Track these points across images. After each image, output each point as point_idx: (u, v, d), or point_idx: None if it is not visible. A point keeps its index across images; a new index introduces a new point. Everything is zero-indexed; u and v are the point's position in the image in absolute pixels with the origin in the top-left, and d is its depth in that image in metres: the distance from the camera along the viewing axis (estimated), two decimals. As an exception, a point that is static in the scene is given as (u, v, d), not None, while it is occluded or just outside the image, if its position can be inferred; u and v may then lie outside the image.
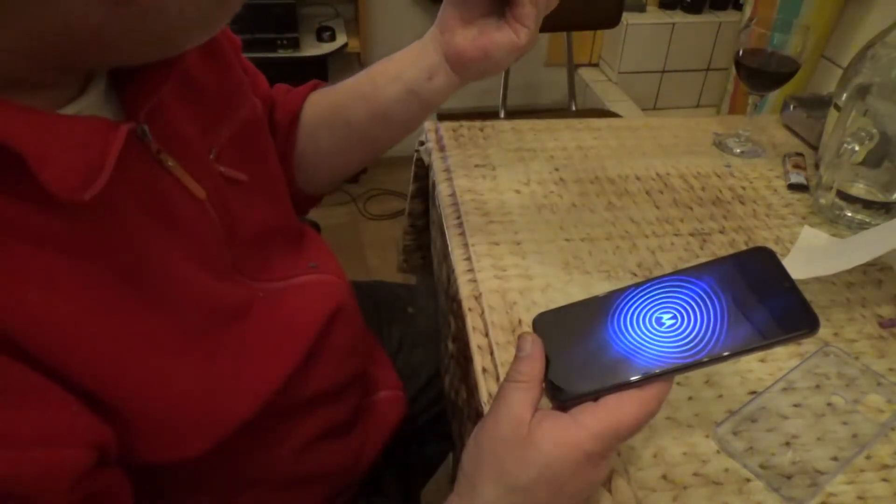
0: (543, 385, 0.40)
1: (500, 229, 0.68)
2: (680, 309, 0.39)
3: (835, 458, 0.48)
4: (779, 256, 0.40)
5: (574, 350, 0.40)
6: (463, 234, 0.68)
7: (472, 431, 0.41)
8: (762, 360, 0.56)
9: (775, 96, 1.60)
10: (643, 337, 0.39)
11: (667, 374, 0.37)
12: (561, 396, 0.39)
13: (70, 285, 0.34)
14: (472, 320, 0.58)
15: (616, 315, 0.40)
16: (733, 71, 1.33)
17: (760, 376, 0.54)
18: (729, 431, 0.50)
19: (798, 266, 0.62)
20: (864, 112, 0.68)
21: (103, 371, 0.35)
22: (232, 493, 0.50)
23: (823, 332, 0.59)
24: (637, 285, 0.41)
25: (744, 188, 0.78)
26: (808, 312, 0.37)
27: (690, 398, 0.52)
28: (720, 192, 0.77)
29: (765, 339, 0.37)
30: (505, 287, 0.61)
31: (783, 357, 0.56)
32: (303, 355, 0.49)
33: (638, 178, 0.78)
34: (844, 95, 0.75)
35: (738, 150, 0.85)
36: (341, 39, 1.82)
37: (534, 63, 2.20)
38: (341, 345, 0.56)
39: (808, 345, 0.57)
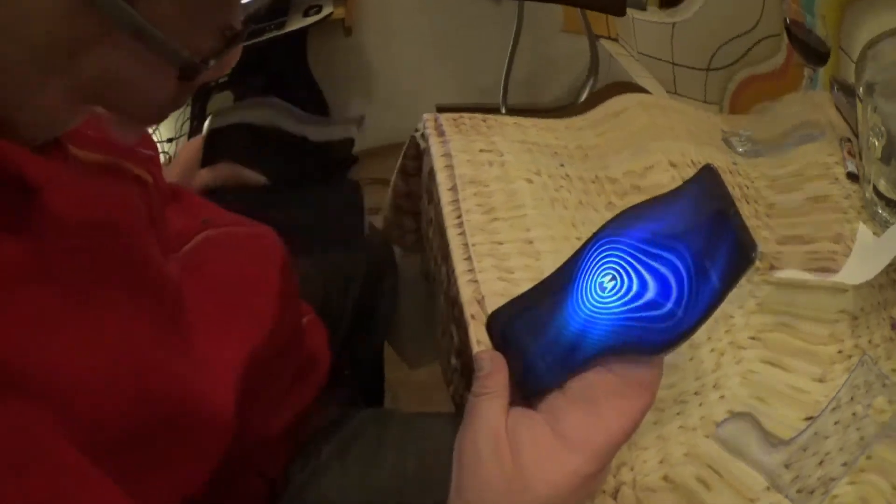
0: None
1: (506, 227, 0.64)
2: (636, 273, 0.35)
3: (844, 464, 0.47)
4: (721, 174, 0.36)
5: (536, 345, 0.38)
6: (463, 234, 0.63)
7: None
8: (764, 362, 0.55)
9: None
10: (600, 309, 0.36)
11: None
12: (526, 393, 0.38)
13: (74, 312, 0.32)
14: (475, 329, 0.55)
15: (572, 299, 0.37)
16: (736, 71, 1.30)
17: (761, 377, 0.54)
18: (729, 432, 0.49)
19: (856, 271, 0.58)
20: (875, 109, 0.65)
21: (143, 390, 0.34)
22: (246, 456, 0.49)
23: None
24: (582, 251, 0.38)
25: (746, 187, 0.77)
26: (749, 238, 0.33)
27: (691, 398, 0.52)
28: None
29: (727, 289, 0.33)
30: (511, 291, 0.57)
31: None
32: (279, 303, 0.49)
33: (643, 176, 0.77)
34: (860, 89, 0.71)
35: (741, 150, 0.84)
36: (327, 11, 1.75)
37: (550, 29, 1.93)
38: (293, 283, 0.56)
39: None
